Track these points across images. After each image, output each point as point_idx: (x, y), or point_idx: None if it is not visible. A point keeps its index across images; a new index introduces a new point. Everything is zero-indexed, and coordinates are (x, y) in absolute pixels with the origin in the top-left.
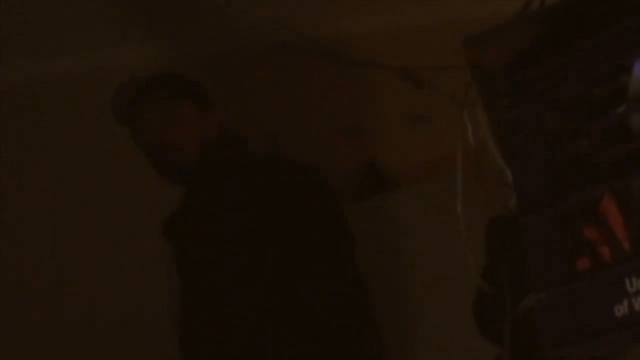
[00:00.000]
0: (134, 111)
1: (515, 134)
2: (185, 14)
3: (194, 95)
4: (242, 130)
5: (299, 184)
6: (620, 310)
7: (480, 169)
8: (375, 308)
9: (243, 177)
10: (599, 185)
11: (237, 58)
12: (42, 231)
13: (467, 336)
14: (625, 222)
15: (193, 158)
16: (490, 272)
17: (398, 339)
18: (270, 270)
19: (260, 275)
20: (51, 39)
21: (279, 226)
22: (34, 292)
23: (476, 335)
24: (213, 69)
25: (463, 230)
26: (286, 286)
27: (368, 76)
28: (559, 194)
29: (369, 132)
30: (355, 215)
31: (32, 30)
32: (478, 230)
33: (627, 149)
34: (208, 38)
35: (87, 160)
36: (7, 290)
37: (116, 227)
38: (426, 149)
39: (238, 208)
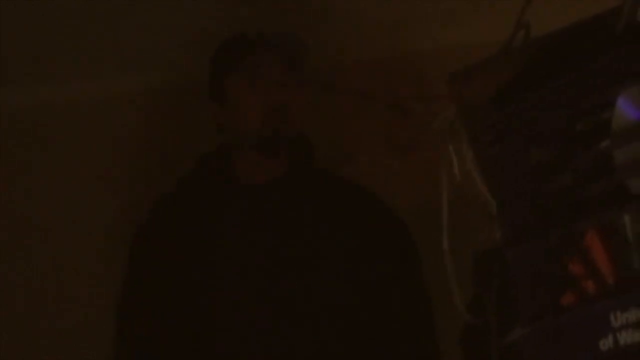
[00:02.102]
0: (256, 52)
1: (500, 169)
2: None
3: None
4: None
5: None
6: (606, 344)
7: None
8: None
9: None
10: (583, 219)
11: None
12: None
13: None
14: (609, 256)
15: (288, 139)
16: (478, 304)
17: None
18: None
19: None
20: (50, 66)
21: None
22: None
23: None
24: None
25: (449, 264)
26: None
27: (355, 106)
28: (544, 228)
29: (355, 161)
30: None
31: (31, 56)
32: (465, 264)
33: (610, 183)
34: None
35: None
36: None
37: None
38: (413, 179)
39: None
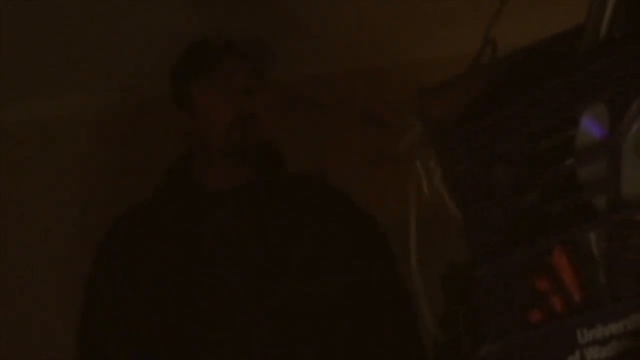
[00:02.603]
0: (223, 59)
1: (466, 187)
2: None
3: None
4: None
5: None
6: None
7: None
8: None
9: (315, 203)
10: (549, 237)
11: None
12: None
13: None
14: (576, 273)
15: (256, 146)
16: (448, 321)
17: None
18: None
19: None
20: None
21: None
22: None
23: None
24: None
25: (418, 281)
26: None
27: (331, 117)
28: (511, 246)
29: (332, 174)
30: None
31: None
32: (434, 280)
33: (575, 201)
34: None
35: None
36: None
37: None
38: (390, 192)
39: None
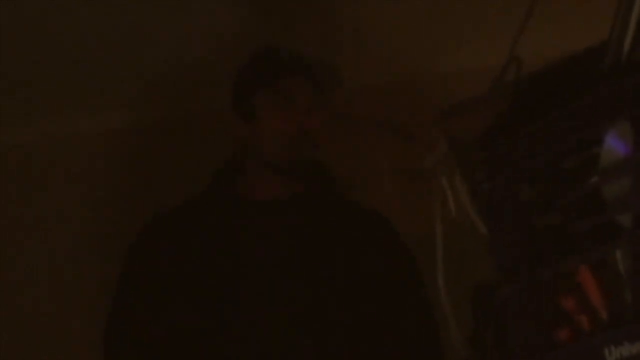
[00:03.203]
0: (289, 76)
1: (491, 206)
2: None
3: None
4: None
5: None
6: None
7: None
8: None
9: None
10: (574, 256)
11: None
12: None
13: None
14: (602, 291)
15: (306, 163)
16: (476, 339)
17: None
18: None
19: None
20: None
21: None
22: None
23: None
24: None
25: (445, 298)
26: None
27: (359, 130)
28: (536, 265)
29: (361, 187)
30: None
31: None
32: (463, 299)
33: (600, 220)
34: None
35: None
36: None
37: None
38: (418, 207)
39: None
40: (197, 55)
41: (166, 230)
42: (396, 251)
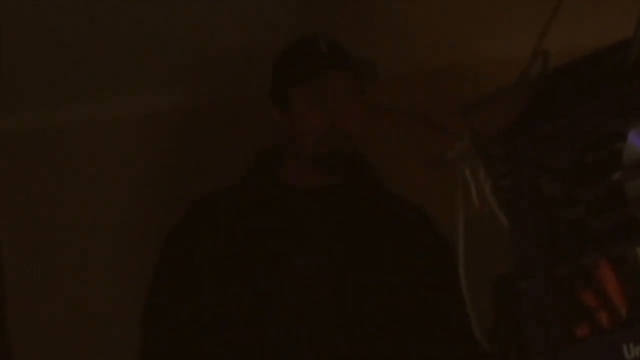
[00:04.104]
0: (326, 70)
1: (513, 200)
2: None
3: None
4: None
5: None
6: None
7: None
8: None
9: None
10: (595, 251)
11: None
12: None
13: None
14: (622, 288)
15: (344, 158)
16: (496, 332)
17: None
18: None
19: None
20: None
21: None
22: None
23: None
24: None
25: (466, 293)
26: None
27: (391, 119)
28: (556, 260)
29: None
30: None
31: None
32: (483, 290)
33: (622, 215)
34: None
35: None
36: None
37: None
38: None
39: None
40: (237, 40)
41: (208, 215)
42: (438, 247)
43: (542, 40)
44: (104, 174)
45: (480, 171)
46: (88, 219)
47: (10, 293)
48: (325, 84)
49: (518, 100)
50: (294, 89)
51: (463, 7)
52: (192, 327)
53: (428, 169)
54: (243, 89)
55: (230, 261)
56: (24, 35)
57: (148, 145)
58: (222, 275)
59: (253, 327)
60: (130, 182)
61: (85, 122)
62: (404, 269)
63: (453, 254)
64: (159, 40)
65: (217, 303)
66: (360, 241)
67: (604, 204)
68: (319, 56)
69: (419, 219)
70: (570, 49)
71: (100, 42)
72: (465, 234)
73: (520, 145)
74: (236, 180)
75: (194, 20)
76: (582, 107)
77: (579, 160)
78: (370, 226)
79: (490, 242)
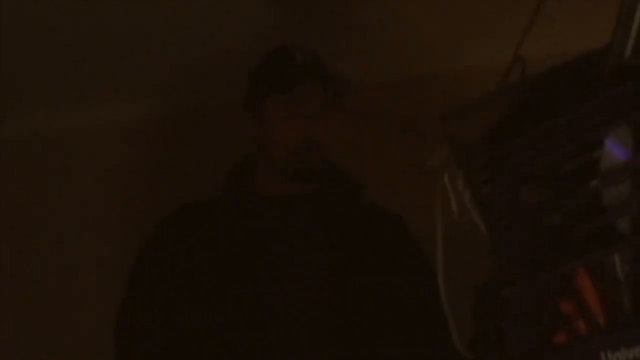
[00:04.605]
0: (301, 81)
1: (492, 208)
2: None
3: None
4: None
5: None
6: None
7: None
8: None
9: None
10: (573, 259)
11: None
12: None
13: None
14: (600, 296)
15: (317, 169)
16: (477, 340)
17: None
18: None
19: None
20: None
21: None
22: None
23: None
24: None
25: (446, 301)
26: None
27: (370, 127)
28: (535, 268)
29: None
30: None
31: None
32: (463, 299)
33: (599, 223)
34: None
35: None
36: None
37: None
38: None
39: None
40: (215, 49)
41: (183, 228)
42: (413, 254)
43: (520, 47)
44: (85, 182)
45: (459, 179)
46: (71, 228)
47: None
48: (300, 95)
49: (497, 108)
50: (268, 98)
51: (447, 15)
52: (171, 343)
53: (412, 176)
54: (228, 96)
55: (213, 273)
56: None
57: (129, 153)
58: (205, 288)
59: (242, 338)
60: (113, 189)
61: (63, 130)
62: (383, 276)
63: (428, 261)
64: (135, 51)
65: (201, 317)
66: (340, 249)
67: (582, 211)
68: (295, 66)
69: (394, 227)
70: (549, 56)
71: (81, 50)
72: (445, 242)
73: (499, 153)
74: (217, 189)
75: (176, 29)
76: (558, 116)
77: (556, 168)
78: (346, 235)
79: (469, 250)
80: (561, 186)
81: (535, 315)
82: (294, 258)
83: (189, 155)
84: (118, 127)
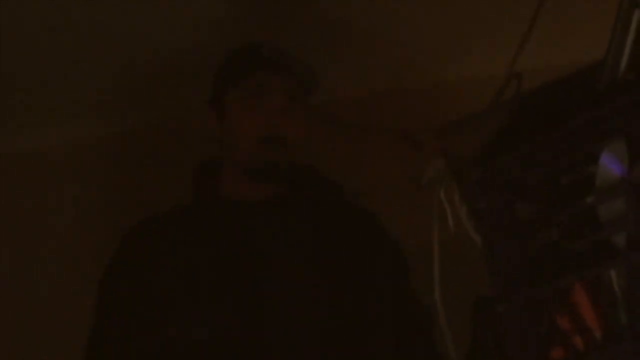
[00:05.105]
0: (264, 72)
1: (488, 222)
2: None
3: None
4: None
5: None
6: None
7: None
8: None
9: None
10: (569, 274)
11: None
12: None
13: None
14: (596, 310)
15: (281, 168)
16: (474, 354)
17: None
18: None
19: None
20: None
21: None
22: None
23: None
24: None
25: (442, 313)
26: None
27: (364, 138)
28: (532, 283)
29: (370, 196)
30: None
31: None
32: (460, 312)
33: (596, 238)
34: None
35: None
36: None
37: None
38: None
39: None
40: (183, 57)
41: (149, 241)
42: (392, 252)
43: (515, 62)
44: (52, 199)
45: (455, 194)
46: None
47: None
48: (262, 87)
49: (493, 123)
50: (229, 94)
51: (441, 26)
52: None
53: (408, 188)
54: (196, 106)
55: (191, 285)
56: None
57: (97, 168)
58: (186, 301)
59: (231, 350)
60: (80, 203)
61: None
62: (368, 274)
63: (406, 259)
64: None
65: (181, 333)
66: (323, 251)
67: (578, 226)
68: (259, 59)
69: (371, 225)
70: (545, 70)
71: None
72: (441, 256)
73: (493, 168)
74: (180, 201)
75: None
76: (556, 130)
77: (552, 183)
78: (326, 235)
79: (466, 264)
80: (557, 201)
81: (531, 330)
82: (278, 263)
83: (157, 169)
84: (79, 146)
